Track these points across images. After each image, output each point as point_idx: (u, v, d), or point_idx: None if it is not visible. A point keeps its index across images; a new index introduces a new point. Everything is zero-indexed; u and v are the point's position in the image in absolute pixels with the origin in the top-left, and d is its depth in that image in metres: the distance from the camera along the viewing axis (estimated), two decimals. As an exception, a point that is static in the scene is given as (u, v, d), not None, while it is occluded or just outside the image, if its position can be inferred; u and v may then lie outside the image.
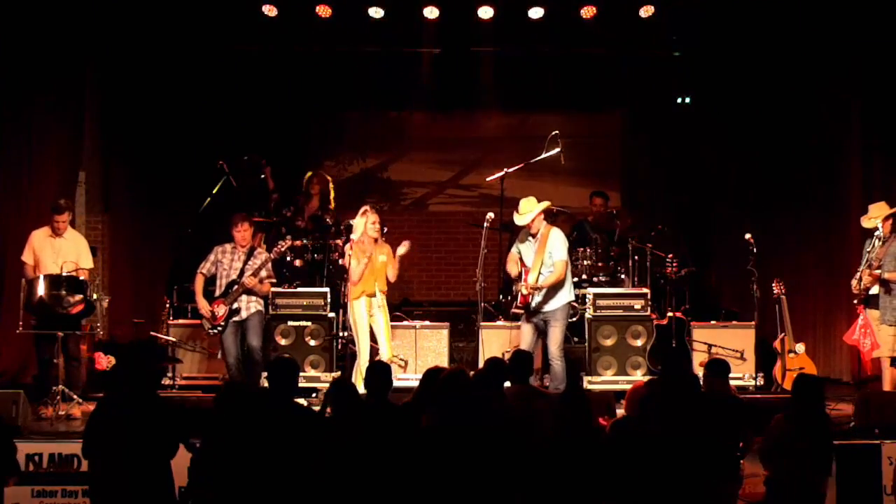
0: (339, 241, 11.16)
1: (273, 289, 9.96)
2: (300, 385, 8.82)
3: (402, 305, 11.96)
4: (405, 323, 10.77)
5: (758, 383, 10.33)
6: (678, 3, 11.49)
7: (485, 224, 10.04)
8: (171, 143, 12.01)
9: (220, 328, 9.42)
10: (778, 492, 6.53)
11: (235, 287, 9.38)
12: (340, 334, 10.31)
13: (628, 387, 7.68)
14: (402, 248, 9.58)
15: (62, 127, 10.91)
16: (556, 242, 9.39)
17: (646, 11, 11.34)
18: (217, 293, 9.46)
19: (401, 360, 10.17)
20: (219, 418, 6.25)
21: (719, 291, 12.87)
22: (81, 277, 9.31)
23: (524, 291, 9.34)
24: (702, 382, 7.14)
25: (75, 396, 9.10)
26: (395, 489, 5.92)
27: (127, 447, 6.12)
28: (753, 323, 10.51)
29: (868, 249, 9.22)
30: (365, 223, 9.54)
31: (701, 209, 13.03)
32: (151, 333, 10.62)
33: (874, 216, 9.22)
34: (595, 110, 13.56)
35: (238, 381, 9.29)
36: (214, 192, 11.24)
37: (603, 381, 10.24)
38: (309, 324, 10.41)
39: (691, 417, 6.35)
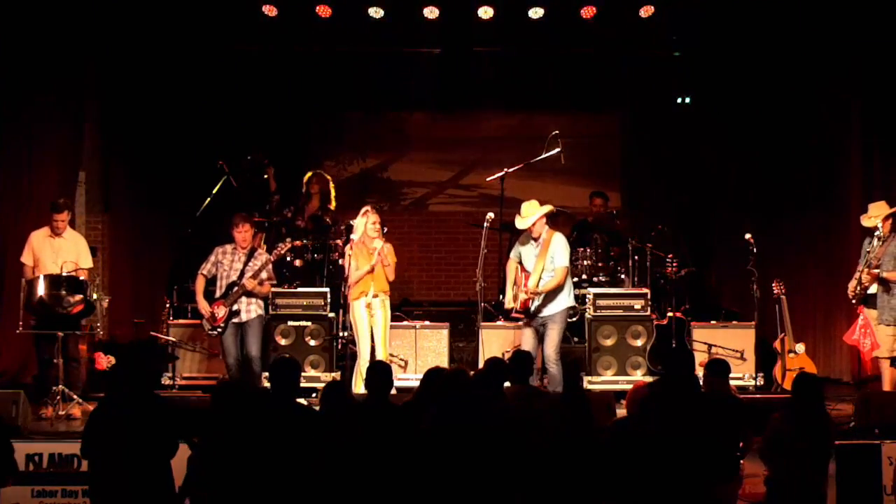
0: (339, 241, 11.17)
1: (273, 289, 9.95)
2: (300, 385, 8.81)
3: (402, 305, 11.95)
4: (405, 323, 10.77)
5: (758, 383, 10.33)
6: (678, 3, 11.50)
7: (485, 224, 10.03)
8: (171, 143, 12.01)
9: (220, 329, 9.41)
10: (778, 491, 6.53)
11: (235, 289, 9.37)
12: (340, 334, 10.30)
13: (628, 387, 7.69)
14: (378, 243, 9.53)
15: (62, 127, 10.91)
16: (559, 248, 9.37)
17: (646, 11, 11.34)
18: (217, 294, 9.45)
19: (401, 360, 10.17)
20: (215, 417, 6.24)
21: (719, 291, 12.87)
22: (81, 277, 9.31)
23: (522, 296, 9.33)
24: (702, 382, 7.14)
25: (75, 396, 9.11)
26: (395, 489, 5.92)
27: (127, 447, 6.12)
28: (753, 323, 10.51)
29: (867, 249, 9.21)
30: (365, 223, 9.55)
31: (701, 209, 13.03)
32: (151, 333, 10.63)
33: (874, 215, 9.22)
34: (595, 110, 13.56)
35: (237, 380, 9.29)
36: (214, 192, 11.24)
37: (603, 381, 10.25)
38: (309, 324, 10.41)
39: (691, 417, 6.35)
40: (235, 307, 9.37)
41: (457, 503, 5.87)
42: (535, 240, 9.42)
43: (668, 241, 11.51)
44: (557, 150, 11.00)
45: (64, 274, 9.21)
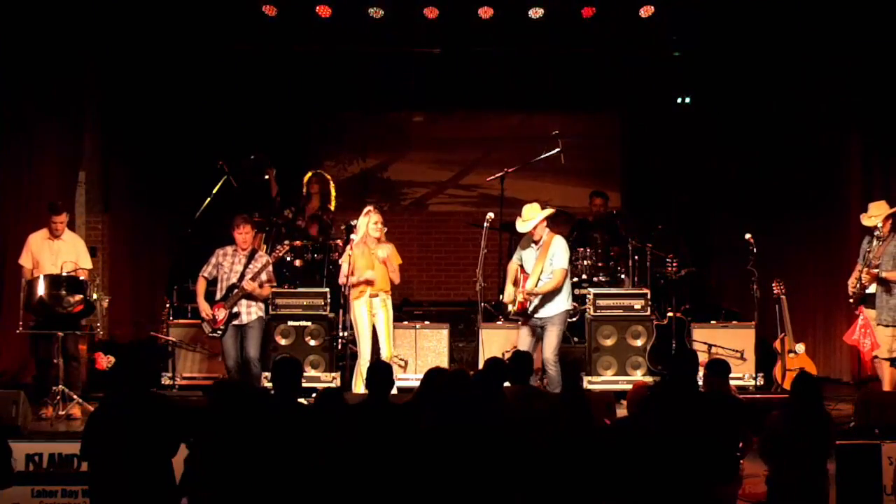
0: (339, 241, 11.18)
1: (273, 289, 9.94)
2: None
3: (403, 305, 11.95)
4: (405, 323, 10.76)
5: (758, 383, 10.33)
6: (678, 3, 11.49)
7: (485, 224, 10.03)
8: (171, 143, 12.02)
9: (220, 331, 9.40)
10: (779, 490, 6.53)
11: (235, 291, 9.37)
12: (341, 334, 10.30)
13: (628, 387, 7.69)
14: (382, 252, 9.53)
15: (62, 127, 10.91)
16: (559, 250, 9.37)
17: (646, 11, 11.33)
18: (218, 296, 9.45)
19: (401, 360, 10.17)
20: (211, 416, 6.24)
21: (719, 291, 12.87)
22: (81, 277, 9.31)
23: (520, 298, 9.34)
24: (702, 382, 7.14)
25: (75, 396, 9.11)
26: (395, 489, 5.92)
27: (127, 447, 6.12)
28: (753, 323, 10.51)
29: (866, 248, 9.21)
30: (367, 223, 9.53)
31: (701, 209, 13.03)
32: (151, 333, 10.63)
33: (874, 215, 9.21)
34: (595, 110, 13.57)
35: (236, 381, 9.29)
36: (214, 192, 11.23)
37: (603, 381, 10.25)
38: (309, 324, 10.42)
39: (691, 417, 6.36)
40: (235, 309, 9.36)
41: (457, 503, 5.87)
42: (536, 242, 9.42)
43: (668, 241, 11.51)
44: (557, 150, 11.01)
45: (64, 274, 9.21)
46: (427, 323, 10.84)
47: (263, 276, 9.44)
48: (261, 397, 6.77)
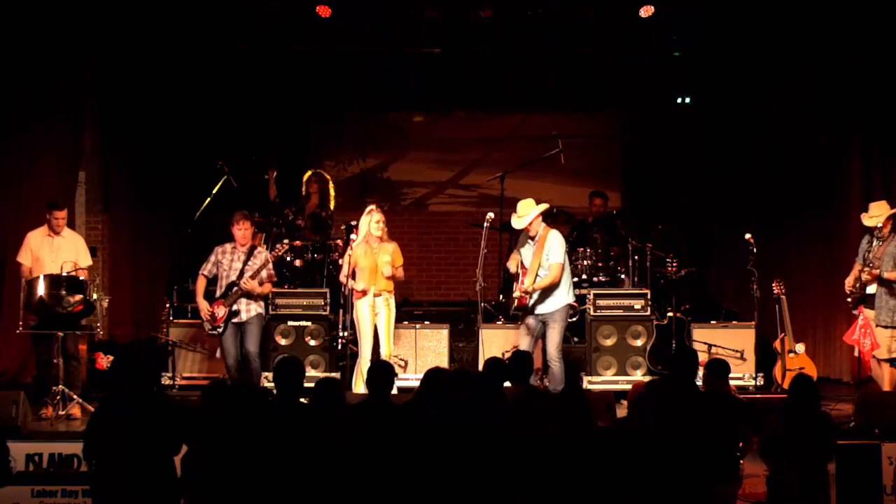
0: (339, 241, 11.18)
1: (273, 289, 9.94)
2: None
3: (403, 305, 11.90)
4: (405, 323, 10.76)
5: (758, 383, 10.33)
6: (678, 3, 11.49)
7: (485, 224, 10.02)
8: (171, 143, 12.02)
9: (219, 329, 9.40)
10: (780, 490, 6.53)
11: (235, 289, 9.36)
12: (341, 334, 10.30)
13: (628, 387, 7.69)
14: (387, 270, 9.52)
15: (62, 127, 10.91)
16: (554, 245, 9.37)
17: (646, 11, 11.33)
18: (217, 294, 9.45)
19: (401, 360, 10.16)
20: (206, 417, 6.23)
21: (719, 291, 12.88)
22: (81, 277, 9.31)
23: (516, 294, 9.35)
24: (702, 382, 7.14)
25: (75, 396, 9.10)
26: (395, 489, 5.91)
27: (129, 447, 6.12)
28: (753, 323, 10.50)
29: (866, 248, 9.20)
30: (369, 222, 9.52)
31: (701, 209, 13.03)
32: (151, 334, 10.62)
33: (875, 215, 9.19)
34: (595, 110, 13.57)
35: (236, 380, 9.30)
36: (214, 192, 11.24)
37: (603, 381, 10.26)
38: (309, 324, 10.42)
39: (691, 417, 6.35)
40: (235, 307, 9.36)
41: (457, 503, 5.87)
42: (532, 238, 9.43)
43: (668, 241, 11.50)
44: (557, 150, 11.01)
45: (64, 274, 9.20)
46: (427, 323, 10.83)
47: (264, 273, 9.42)
48: (260, 397, 6.75)
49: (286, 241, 10.22)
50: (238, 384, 9.17)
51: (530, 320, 9.46)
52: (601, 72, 12.87)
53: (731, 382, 7.84)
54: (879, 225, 9.09)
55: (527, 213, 9.38)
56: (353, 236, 9.72)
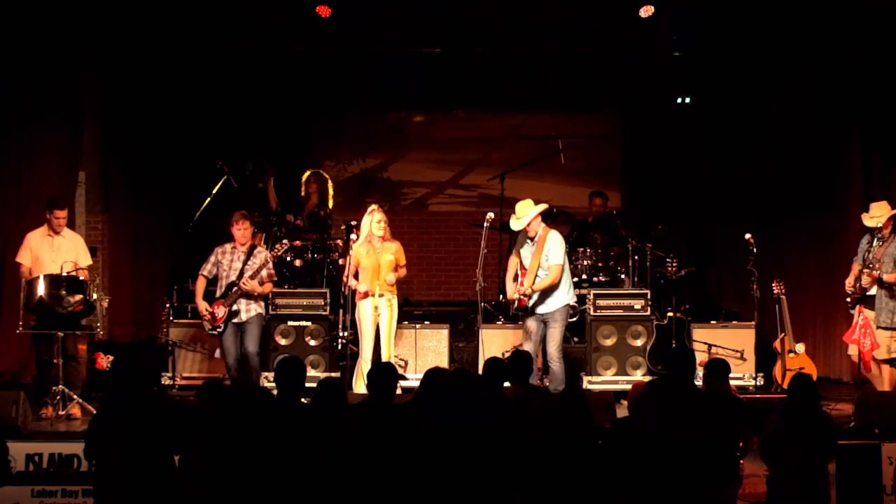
0: (339, 241, 11.17)
1: (273, 289, 9.94)
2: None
3: (403, 305, 11.89)
4: (405, 323, 10.76)
5: (758, 383, 10.33)
6: (678, 3, 11.49)
7: (485, 224, 10.02)
8: (171, 143, 12.01)
9: (219, 329, 9.40)
10: (780, 490, 6.53)
11: (234, 289, 9.36)
12: (341, 334, 10.30)
13: (628, 387, 7.68)
14: (391, 277, 9.51)
15: (62, 127, 10.90)
16: (553, 245, 9.37)
17: (646, 11, 11.32)
18: (217, 294, 9.45)
19: (401, 360, 10.16)
20: (200, 418, 6.23)
21: (719, 291, 12.88)
22: (81, 277, 9.30)
23: (516, 295, 9.35)
24: (702, 382, 7.13)
25: (75, 396, 9.10)
26: (395, 490, 5.91)
27: (130, 447, 6.11)
28: (753, 323, 10.51)
29: (865, 248, 9.19)
30: (370, 222, 9.51)
31: (701, 209, 13.03)
32: (151, 334, 10.62)
33: (876, 215, 9.18)
34: (595, 110, 13.57)
35: (236, 380, 9.31)
36: (214, 192, 11.24)
37: (603, 381, 10.26)
38: (309, 324, 10.42)
39: (691, 417, 6.35)
40: (235, 307, 9.36)
41: (457, 503, 5.87)
42: (532, 239, 9.42)
43: (668, 241, 11.51)
44: (557, 150, 11.02)
45: (64, 274, 9.20)
46: (427, 323, 10.83)
47: (264, 273, 9.42)
48: (259, 397, 6.74)
49: (285, 241, 10.21)
50: (237, 384, 9.21)
51: (530, 322, 9.45)
52: (601, 72, 12.87)
53: (731, 382, 7.83)
54: (880, 225, 9.09)
55: (525, 214, 9.37)
56: (353, 236, 9.72)
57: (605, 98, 13.26)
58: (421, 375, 6.90)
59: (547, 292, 9.35)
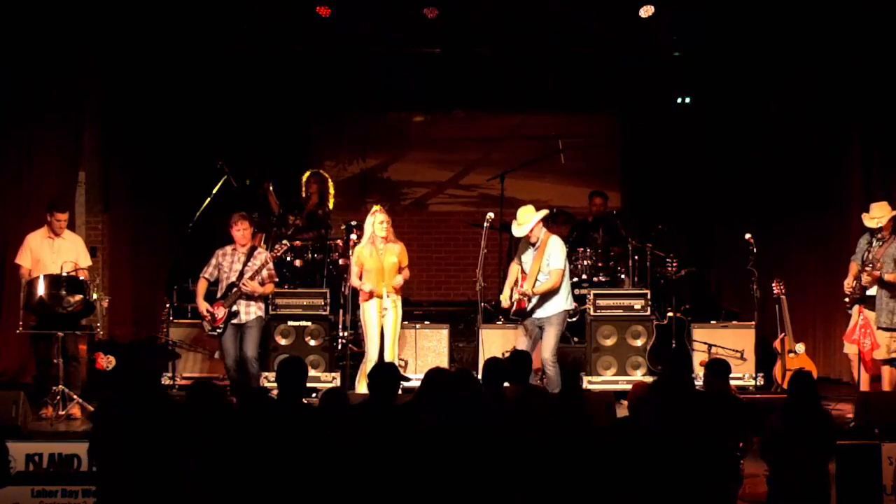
0: (339, 241, 11.17)
1: (275, 289, 9.92)
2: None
3: (403, 306, 11.92)
4: (405, 323, 10.75)
5: (758, 383, 10.33)
6: (678, 3, 11.49)
7: (485, 224, 10.03)
8: (171, 143, 12.01)
9: (219, 330, 9.40)
10: (780, 490, 6.53)
11: (234, 290, 9.36)
12: (341, 334, 10.30)
13: (628, 387, 7.69)
14: (398, 280, 9.51)
15: (62, 127, 10.90)
16: (555, 250, 9.37)
17: (646, 11, 11.32)
18: (218, 295, 9.45)
19: (401, 360, 10.16)
20: (192, 418, 6.23)
21: (719, 291, 12.88)
22: (81, 277, 9.30)
23: (516, 296, 9.35)
24: (702, 382, 7.13)
25: (75, 396, 9.10)
26: (395, 490, 5.91)
27: (131, 447, 6.11)
28: (753, 323, 10.51)
29: (865, 248, 9.18)
30: (373, 223, 9.50)
31: (701, 209, 13.03)
32: (151, 334, 10.62)
33: (876, 216, 9.18)
34: (595, 110, 13.57)
35: (235, 381, 9.31)
36: (214, 192, 11.24)
37: (603, 381, 10.26)
38: (309, 324, 10.42)
39: (691, 417, 6.35)
40: (235, 308, 9.35)
41: (457, 503, 5.87)
42: (533, 244, 9.42)
43: (668, 241, 11.51)
44: (557, 150, 11.02)
45: (64, 274, 9.20)
46: (427, 323, 10.84)
47: (264, 274, 9.41)
48: (258, 397, 6.74)
49: (285, 241, 10.21)
50: (236, 385, 9.21)
51: (528, 324, 9.46)
52: (601, 72, 12.87)
53: (732, 382, 7.83)
54: (880, 226, 9.08)
55: (527, 220, 9.36)
56: (353, 236, 9.71)
57: (604, 98, 13.26)
58: (421, 375, 6.90)
59: (546, 297, 9.35)
